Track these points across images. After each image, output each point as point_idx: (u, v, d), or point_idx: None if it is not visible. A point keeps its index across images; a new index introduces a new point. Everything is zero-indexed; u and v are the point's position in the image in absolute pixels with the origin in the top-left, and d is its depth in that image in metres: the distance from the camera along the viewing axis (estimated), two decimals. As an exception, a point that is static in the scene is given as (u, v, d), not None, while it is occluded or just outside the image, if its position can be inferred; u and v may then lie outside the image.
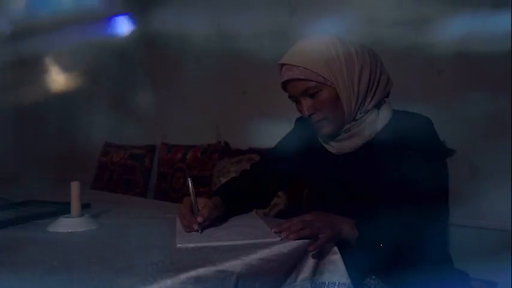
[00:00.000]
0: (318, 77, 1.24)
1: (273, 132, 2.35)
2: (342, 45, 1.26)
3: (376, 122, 1.30)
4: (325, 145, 1.36)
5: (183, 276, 0.90)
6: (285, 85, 1.31)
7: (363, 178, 1.29)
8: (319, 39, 1.29)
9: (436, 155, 1.27)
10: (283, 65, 1.29)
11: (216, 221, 1.27)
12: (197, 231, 1.19)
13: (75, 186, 1.30)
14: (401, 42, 1.88)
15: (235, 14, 2.47)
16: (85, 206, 1.40)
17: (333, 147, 1.34)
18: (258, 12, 2.38)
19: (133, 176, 2.90)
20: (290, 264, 1.11)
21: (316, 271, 1.15)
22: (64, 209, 1.35)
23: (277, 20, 2.35)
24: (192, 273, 0.92)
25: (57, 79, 3.52)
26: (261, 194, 1.47)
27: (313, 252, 1.13)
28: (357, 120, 1.29)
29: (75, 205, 1.29)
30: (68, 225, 1.27)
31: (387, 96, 1.33)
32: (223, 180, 2.29)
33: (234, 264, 0.99)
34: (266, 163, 1.50)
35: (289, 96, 1.32)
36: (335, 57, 1.25)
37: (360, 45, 1.29)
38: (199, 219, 1.20)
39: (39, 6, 3.24)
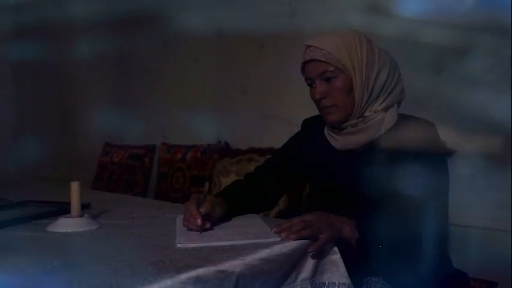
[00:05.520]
0: (337, 62, 1.28)
1: (272, 132, 2.37)
2: (368, 42, 1.31)
3: (382, 123, 1.31)
4: (329, 139, 1.38)
5: (183, 276, 0.90)
6: (304, 67, 1.34)
7: (364, 176, 1.30)
8: (348, 31, 1.33)
9: (438, 160, 1.28)
10: (308, 46, 1.33)
11: (217, 221, 1.27)
12: (199, 228, 1.19)
13: (75, 186, 1.30)
14: (402, 42, 1.88)
15: (236, 14, 2.47)
16: (85, 206, 1.40)
17: (338, 141, 1.36)
18: (257, 12, 2.38)
19: (134, 176, 2.90)
20: (290, 264, 1.11)
21: (316, 271, 1.15)
22: (64, 209, 1.35)
23: (277, 20, 2.35)
24: (192, 273, 0.92)
25: (58, 78, 3.52)
26: (264, 197, 1.47)
27: (312, 253, 1.13)
28: (365, 117, 1.31)
29: (75, 205, 1.29)
30: (68, 225, 1.27)
31: (398, 105, 1.36)
32: (223, 180, 2.30)
33: (234, 264, 0.99)
34: (270, 166, 1.51)
35: (306, 79, 1.35)
36: (358, 50, 1.29)
37: (384, 50, 1.34)
38: (203, 210, 1.20)
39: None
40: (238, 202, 1.37)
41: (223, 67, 2.65)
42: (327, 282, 1.16)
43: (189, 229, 1.21)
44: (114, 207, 1.55)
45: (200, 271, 0.93)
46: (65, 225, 1.27)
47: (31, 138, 3.68)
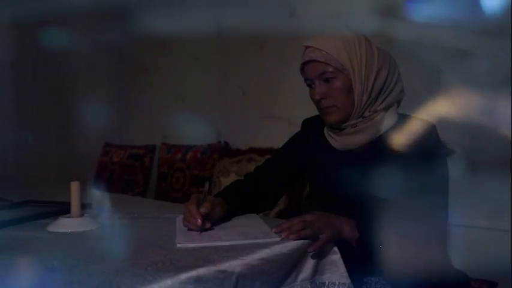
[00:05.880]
0: (337, 63, 1.28)
1: (272, 132, 2.37)
2: (367, 43, 1.32)
3: (382, 123, 1.32)
4: (329, 140, 1.37)
5: (183, 276, 0.90)
6: (304, 67, 1.34)
7: (364, 176, 1.30)
8: (347, 33, 1.35)
9: (438, 161, 1.29)
10: (307, 47, 1.33)
11: (217, 221, 1.27)
12: (199, 228, 1.19)
13: (75, 186, 1.30)
14: (402, 42, 1.88)
15: (235, 14, 2.47)
16: (85, 206, 1.40)
17: (337, 141, 1.35)
18: (257, 12, 2.38)
19: (134, 176, 2.90)
20: (290, 264, 1.11)
21: (316, 271, 1.15)
22: (64, 209, 1.35)
23: (277, 20, 2.35)
24: (192, 273, 0.92)
25: (59, 78, 3.52)
26: (264, 197, 1.47)
27: (312, 253, 1.13)
28: (365, 117, 1.31)
29: (75, 205, 1.29)
30: (68, 225, 1.27)
31: (398, 104, 1.36)
32: (223, 180, 2.30)
33: (234, 264, 0.99)
34: (270, 166, 1.51)
35: (305, 80, 1.35)
36: (357, 50, 1.29)
37: (384, 50, 1.34)
38: (203, 210, 1.20)
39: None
40: (238, 202, 1.37)
41: (223, 67, 2.65)
42: (327, 282, 1.16)
43: (189, 229, 1.21)
44: (114, 207, 1.55)
45: (200, 271, 0.93)
46: (65, 225, 1.27)
47: (31, 138, 3.68)
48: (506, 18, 1.76)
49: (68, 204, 1.30)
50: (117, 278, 0.89)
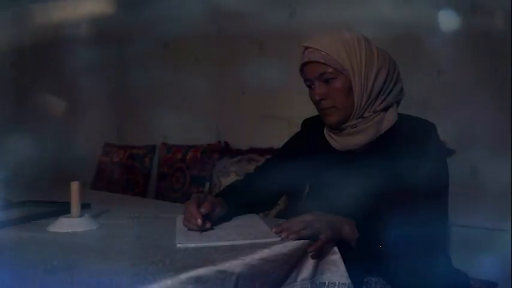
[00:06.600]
0: (336, 64, 1.28)
1: (272, 132, 2.37)
2: (367, 43, 1.31)
3: (382, 123, 1.32)
4: (329, 140, 1.37)
5: (183, 276, 0.90)
6: (303, 68, 1.33)
7: (364, 177, 1.30)
8: (346, 33, 1.33)
9: (438, 161, 1.28)
10: (306, 47, 1.32)
11: (217, 221, 1.27)
12: (199, 228, 1.19)
13: (75, 186, 1.30)
14: (402, 42, 1.88)
15: (235, 13, 2.47)
16: (85, 206, 1.40)
17: (337, 142, 1.35)
18: (257, 12, 2.39)
19: (133, 176, 2.90)
20: (290, 264, 1.11)
21: (316, 271, 1.15)
22: (64, 209, 1.35)
23: (277, 20, 2.35)
24: (192, 273, 0.92)
25: (58, 78, 3.52)
26: (264, 197, 1.47)
27: (312, 253, 1.13)
28: (364, 117, 1.31)
29: (75, 205, 1.29)
30: (68, 225, 1.27)
31: (398, 104, 1.36)
32: (223, 180, 2.30)
33: (234, 264, 0.99)
34: (270, 166, 1.51)
35: (305, 81, 1.35)
36: (357, 51, 1.29)
37: (383, 50, 1.33)
38: (203, 210, 1.20)
39: None
40: (238, 202, 1.37)
41: (223, 67, 2.66)
42: (327, 282, 1.15)
43: (189, 229, 1.21)
44: (114, 207, 1.55)
45: (200, 271, 0.93)
46: (65, 225, 1.27)
47: (31, 138, 3.68)
48: (505, 18, 1.76)
49: (68, 204, 1.30)
50: (117, 278, 0.89)
